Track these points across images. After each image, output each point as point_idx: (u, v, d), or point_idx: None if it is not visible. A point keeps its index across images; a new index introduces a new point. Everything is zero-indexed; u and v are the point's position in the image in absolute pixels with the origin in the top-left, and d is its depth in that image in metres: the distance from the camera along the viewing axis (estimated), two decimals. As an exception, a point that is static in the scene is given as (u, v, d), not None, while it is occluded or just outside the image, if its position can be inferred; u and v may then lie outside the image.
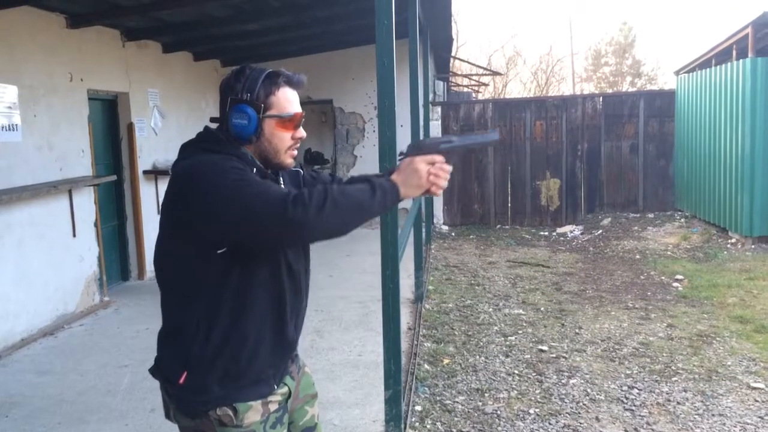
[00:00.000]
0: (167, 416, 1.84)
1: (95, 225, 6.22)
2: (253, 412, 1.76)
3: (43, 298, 5.40)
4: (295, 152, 1.84)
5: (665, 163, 10.54)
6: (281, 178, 1.87)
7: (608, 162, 10.65)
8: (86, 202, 6.10)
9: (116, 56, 6.77)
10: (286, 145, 1.78)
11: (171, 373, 1.75)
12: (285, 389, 1.89)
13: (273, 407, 1.82)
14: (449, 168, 1.82)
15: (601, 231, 9.79)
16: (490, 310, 6.13)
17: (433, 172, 1.78)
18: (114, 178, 6.60)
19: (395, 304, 3.19)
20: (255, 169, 1.72)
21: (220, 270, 1.68)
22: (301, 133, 1.82)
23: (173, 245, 1.71)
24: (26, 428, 3.66)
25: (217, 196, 1.58)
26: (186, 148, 1.78)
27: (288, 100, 1.77)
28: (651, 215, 10.27)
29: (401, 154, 1.86)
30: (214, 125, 1.81)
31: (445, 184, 1.80)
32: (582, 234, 9.85)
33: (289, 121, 1.77)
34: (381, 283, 3.19)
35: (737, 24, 8.79)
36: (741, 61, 8.27)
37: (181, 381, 1.72)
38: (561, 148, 10.72)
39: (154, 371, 1.82)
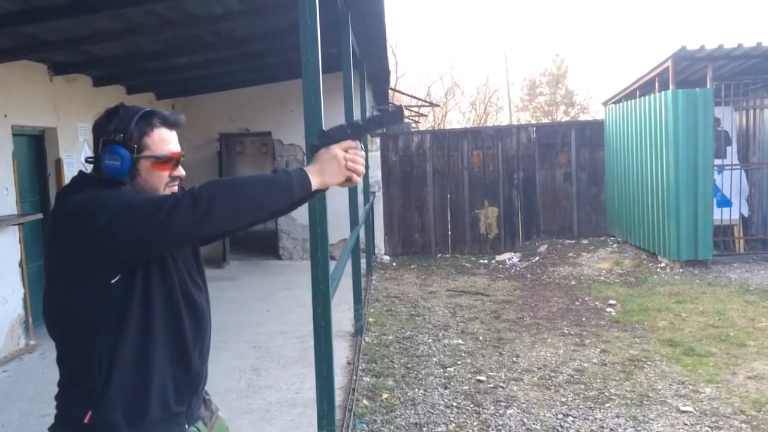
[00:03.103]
0: None
1: (20, 265, 5.96)
2: None
3: (-39, 345, 5.14)
4: (176, 188, 1.80)
5: (597, 190, 10.88)
6: None
7: (543, 190, 10.93)
8: (10, 242, 5.86)
9: (43, 91, 6.58)
10: (163, 183, 1.76)
11: (75, 416, 1.67)
12: None
13: None
14: (363, 153, 1.81)
15: (538, 258, 9.99)
16: (430, 341, 6.15)
17: (349, 158, 1.76)
18: (40, 216, 6.36)
19: (327, 342, 3.17)
20: None
21: (118, 305, 1.64)
22: (180, 171, 1.79)
23: (66, 288, 1.65)
24: (-62, 487, 3.45)
25: (107, 215, 1.55)
26: (61, 194, 1.73)
27: (164, 140, 1.74)
28: (585, 241, 10.56)
29: (314, 146, 1.82)
30: (89, 168, 1.76)
31: (362, 169, 1.79)
32: (520, 261, 10.03)
33: (166, 162, 1.74)
34: (312, 320, 3.16)
35: (660, 56, 9.23)
36: (663, 92, 8.67)
37: (86, 420, 1.65)
38: (498, 177, 10.95)
39: (55, 429, 1.74)
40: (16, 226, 5.94)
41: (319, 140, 1.83)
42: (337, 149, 1.76)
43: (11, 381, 5.18)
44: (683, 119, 8.37)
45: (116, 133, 1.69)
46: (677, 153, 8.38)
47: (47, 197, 6.76)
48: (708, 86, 8.52)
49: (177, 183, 1.80)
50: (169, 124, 1.77)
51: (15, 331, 5.80)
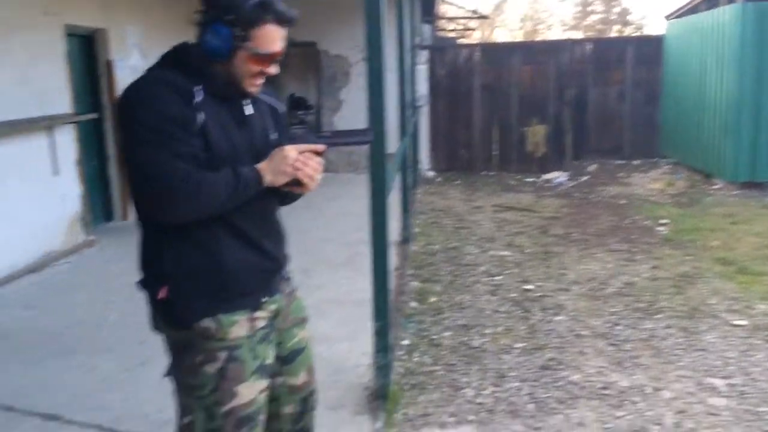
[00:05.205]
0: (153, 327, 1.83)
1: (77, 164, 6.09)
2: (238, 327, 1.75)
3: (27, 236, 5.32)
4: (261, 83, 1.78)
5: (652, 109, 10.52)
6: (252, 106, 1.82)
7: (595, 108, 10.61)
8: (67, 140, 5.96)
9: (93, -11, 6.52)
10: (252, 74, 1.73)
11: (152, 289, 1.75)
12: (274, 306, 1.88)
13: (260, 324, 1.81)
14: (321, 160, 1.78)
15: (587, 177, 9.82)
16: (476, 251, 6.16)
17: (301, 159, 1.74)
18: (95, 116, 6.44)
19: (384, 237, 3.17)
20: (204, 93, 1.67)
21: None
22: (274, 70, 1.75)
23: (128, 162, 1.69)
24: (14, 360, 3.64)
25: (126, 140, 1.65)
26: (157, 62, 1.76)
27: (271, 37, 1.69)
28: (637, 161, 10.31)
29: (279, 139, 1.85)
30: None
31: (311, 172, 1.75)
32: (568, 180, 9.86)
33: (266, 59, 1.71)
34: (370, 215, 3.15)
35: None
36: (730, 5, 8.19)
37: (162, 296, 1.71)
38: (548, 94, 10.63)
39: (140, 285, 1.81)
40: (72, 125, 6.03)
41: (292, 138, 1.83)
42: (291, 150, 1.73)
43: (73, 272, 5.40)
44: (750, 34, 7.93)
45: (227, 11, 1.64)
46: (742, 69, 7.98)
47: (99, 98, 6.82)
48: (782, -2, 8.00)
49: (263, 78, 1.77)
50: (283, 21, 1.70)
51: (74, 227, 5.98)
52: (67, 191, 5.92)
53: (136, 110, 1.64)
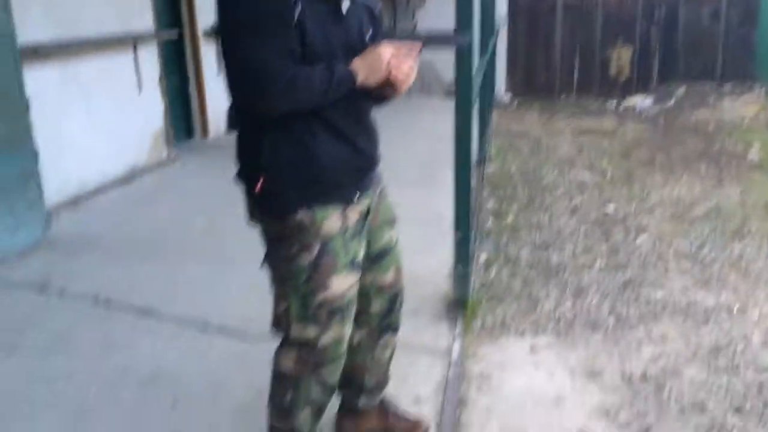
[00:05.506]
0: (248, 218, 1.88)
1: (160, 81, 6.22)
2: (331, 221, 1.77)
3: (113, 149, 5.52)
4: None
5: (748, 30, 9.81)
6: (348, 3, 1.77)
7: (686, 29, 9.98)
8: (150, 58, 6.06)
9: None
10: None
11: (249, 181, 1.79)
12: (366, 203, 1.88)
13: (352, 219, 1.83)
14: (414, 62, 1.75)
15: (673, 101, 9.34)
16: (554, 174, 6.03)
17: (396, 59, 1.71)
18: (175, 34, 6.52)
19: (468, 139, 3.10)
20: None
21: None
22: None
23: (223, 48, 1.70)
24: (107, 262, 3.83)
25: (224, 34, 1.68)
26: None
27: None
28: (729, 85, 9.71)
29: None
30: None
31: (405, 72, 1.72)
32: (653, 104, 9.41)
33: None
34: (456, 112, 3.06)
35: None
36: None
37: (258, 187, 1.74)
38: (635, 14, 10.07)
39: (237, 178, 1.85)
40: (155, 43, 6.13)
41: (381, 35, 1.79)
42: (384, 48, 1.70)
43: (158, 184, 5.59)
44: None
45: None
46: None
47: (180, 17, 6.88)
48: None
49: None
50: None
51: (158, 143, 6.17)
52: (150, 108, 6.07)
53: (233, 4, 1.64)
